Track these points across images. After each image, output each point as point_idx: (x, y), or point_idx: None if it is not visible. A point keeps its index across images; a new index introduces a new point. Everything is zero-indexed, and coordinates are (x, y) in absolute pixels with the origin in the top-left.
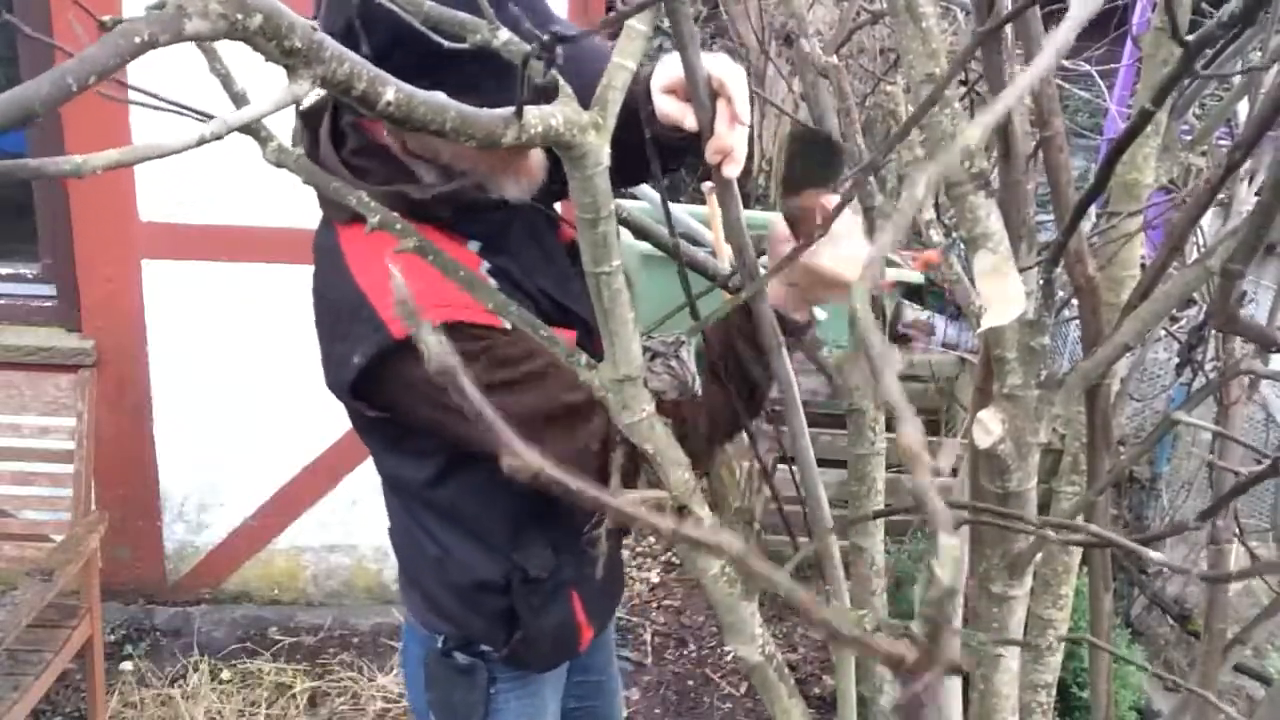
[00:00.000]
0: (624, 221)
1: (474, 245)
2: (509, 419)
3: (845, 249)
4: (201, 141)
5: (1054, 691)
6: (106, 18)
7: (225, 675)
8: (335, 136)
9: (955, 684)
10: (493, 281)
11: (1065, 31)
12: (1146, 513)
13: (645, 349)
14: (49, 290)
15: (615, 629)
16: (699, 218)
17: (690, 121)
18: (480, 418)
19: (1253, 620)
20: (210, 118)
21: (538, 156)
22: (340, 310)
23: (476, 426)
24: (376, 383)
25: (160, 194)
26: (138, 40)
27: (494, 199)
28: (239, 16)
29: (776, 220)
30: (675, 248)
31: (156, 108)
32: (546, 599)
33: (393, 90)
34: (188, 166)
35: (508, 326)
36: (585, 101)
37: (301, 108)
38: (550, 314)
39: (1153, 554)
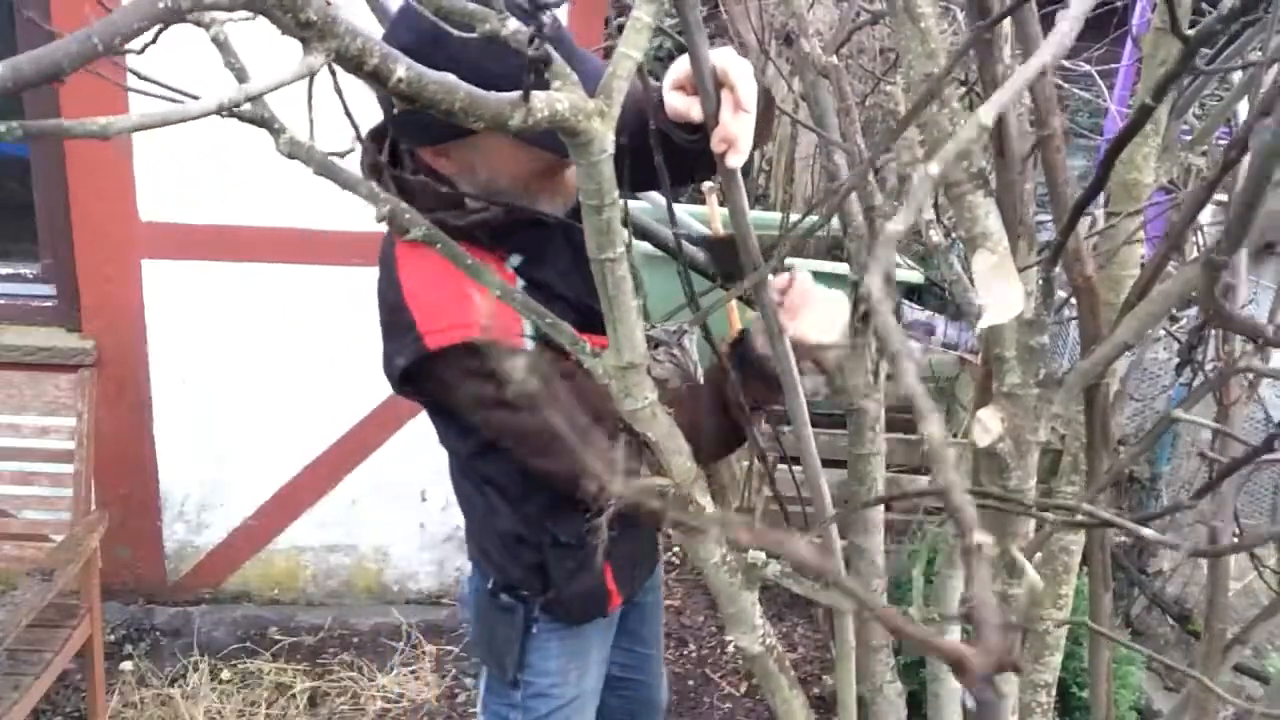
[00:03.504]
0: (624, 222)
1: (515, 259)
2: (521, 434)
3: (819, 314)
4: (220, 108)
5: (1054, 691)
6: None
7: (225, 675)
8: (393, 157)
9: (955, 684)
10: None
11: (1066, 27)
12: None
13: (649, 338)
14: (49, 290)
15: None
16: (699, 217)
17: (696, 112)
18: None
19: (1253, 620)
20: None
21: (573, 173)
22: (389, 314)
23: (513, 426)
24: (417, 382)
25: (160, 193)
26: (161, 6)
27: (528, 217)
28: None
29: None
30: (677, 243)
31: (164, 97)
32: (579, 565)
33: (404, 67)
34: (188, 166)
35: (529, 347)
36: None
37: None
38: (590, 320)
39: (1145, 531)
